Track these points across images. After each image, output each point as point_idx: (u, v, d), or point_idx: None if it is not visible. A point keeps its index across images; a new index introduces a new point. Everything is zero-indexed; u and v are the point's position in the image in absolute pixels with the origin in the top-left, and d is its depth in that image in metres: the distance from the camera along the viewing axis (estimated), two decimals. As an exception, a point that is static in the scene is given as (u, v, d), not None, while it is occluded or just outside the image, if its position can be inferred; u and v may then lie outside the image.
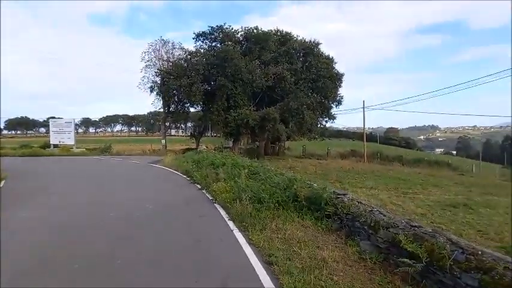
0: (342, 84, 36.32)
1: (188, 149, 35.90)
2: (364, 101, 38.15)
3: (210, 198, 11.21)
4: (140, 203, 10.60)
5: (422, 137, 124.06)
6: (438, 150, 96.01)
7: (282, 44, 35.07)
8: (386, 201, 13.64)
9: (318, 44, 35.59)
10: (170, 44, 36.66)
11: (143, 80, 35.51)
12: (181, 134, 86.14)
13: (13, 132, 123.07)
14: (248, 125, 30.53)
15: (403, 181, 22.13)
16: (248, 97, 32.94)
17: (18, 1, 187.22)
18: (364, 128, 41.39)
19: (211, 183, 12.43)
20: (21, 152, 32.96)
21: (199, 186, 13.62)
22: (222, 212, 9.33)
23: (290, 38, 35.72)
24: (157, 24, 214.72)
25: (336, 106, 36.95)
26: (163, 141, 38.06)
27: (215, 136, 56.14)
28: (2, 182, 15.14)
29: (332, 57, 35.71)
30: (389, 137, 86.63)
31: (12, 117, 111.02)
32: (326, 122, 38.24)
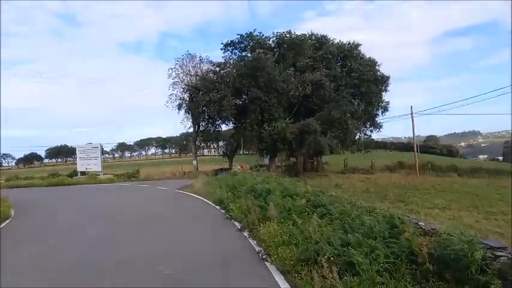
0: (388, 88, 31.61)
1: (221, 169, 32.24)
2: (412, 107, 33.11)
3: (258, 250, 7.12)
4: (154, 262, 6.70)
5: (463, 143, 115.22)
6: (482, 157, 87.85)
7: (317, 48, 31.10)
8: (478, 228, 9.66)
9: (357, 45, 31.32)
10: (197, 58, 33.48)
11: (171, 98, 32.42)
12: (213, 153, 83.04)
13: (54, 160, 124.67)
14: (285, 139, 26.54)
15: (476, 196, 18.09)
16: (284, 109, 29.07)
17: (52, 35, 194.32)
18: (414, 137, 36.21)
19: (257, 223, 8.37)
20: (47, 182, 30.40)
21: (238, 225, 9.57)
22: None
23: (326, 42, 31.67)
24: (187, 47, 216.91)
25: (382, 113, 32.24)
26: (194, 162, 34.59)
27: (248, 154, 52.46)
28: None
29: (374, 60, 31.21)
30: (430, 145, 79.73)
31: (52, 145, 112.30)
32: (371, 131, 33.41)
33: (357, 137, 32.06)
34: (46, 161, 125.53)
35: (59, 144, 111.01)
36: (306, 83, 27.93)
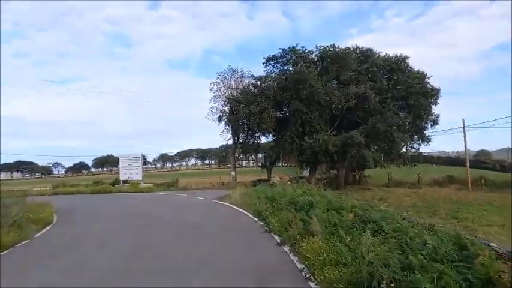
0: (439, 101, 29.74)
1: (259, 181, 31.65)
2: (464, 120, 30.88)
3: (300, 268, 6.37)
4: (187, 274, 6.29)
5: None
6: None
7: (362, 62, 30.08)
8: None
9: (405, 58, 29.83)
10: (239, 73, 33.53)
11: (212, 111, 32.60)
12: (252, 165, 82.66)
13: (100, 169, 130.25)
14: (327, 151, 25.53)
15: (538, 214, 16.19)
16: (325, 121, 28.18)
17: (104, 54, 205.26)
18: (465, 150, 33.69)
19: (298, 237, 7.65)
20: (91, 189, 31.33)
21: (277, 239, 8.83)
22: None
23: (371, 55, 30.56)
24: (229, 63, 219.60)
25: (431, 127, 30.29)
26: (233, 173, 34.30)
27: (287, 166, 51.52)
28: (40, 232, 12.20)
29: (424, 72, 29.50)
30: (481, 160, 74.36)
31: (98, 155, 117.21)
32: (419, 145, 31.37)
33: (404, 150, 30.35)
34: (93, 170, 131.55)
35: (105, 154, 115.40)
36: (350, 96, 26.99)
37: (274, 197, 13.51)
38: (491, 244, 5.76)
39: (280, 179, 27.08)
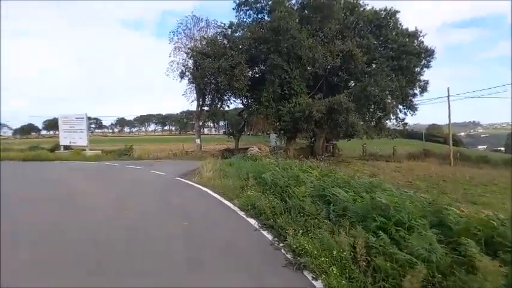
0: (431, 64, 24.89)
1: (228, 150, 26.27)
2: (448, 88, 27.10)
3: None
4: None
5: (463, 133, 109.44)
6: (481, 147, 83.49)
7: (346, 14, 24.75)
8: None
9: (395, 13, 24.68)
10: (204, 22, 26.98)
11: (171, 65, 26.07)
12: (214, 132, 75.84)
13: (51, 132, 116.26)
14: (310, 118, 20.50)
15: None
16: (306, 83, 22.97)
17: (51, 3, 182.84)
18: (449, 123, 30.46)
19: None
20: (24, 155, 24.18)
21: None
22: None
23: (358, 6, 25.19)
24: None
25: (420, 94, 25.78)
26: (197, 140, 28.34)
27: (250, 134, 46.14)
28: None
29: (417, 29, 24.56)
30: (433, 133, 74.18)
31: (50, 117, 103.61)
32: (405, 114, 26.56)
33: (391, 119, 25.99)
34: (44, 132, 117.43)
35: (57, 116, 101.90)
36: (335, 54, 21.85)
37: (275, 182, 8.12)
38: None
39: (260, 149, 21.65)
